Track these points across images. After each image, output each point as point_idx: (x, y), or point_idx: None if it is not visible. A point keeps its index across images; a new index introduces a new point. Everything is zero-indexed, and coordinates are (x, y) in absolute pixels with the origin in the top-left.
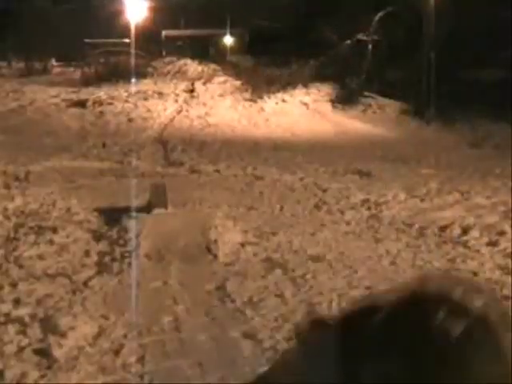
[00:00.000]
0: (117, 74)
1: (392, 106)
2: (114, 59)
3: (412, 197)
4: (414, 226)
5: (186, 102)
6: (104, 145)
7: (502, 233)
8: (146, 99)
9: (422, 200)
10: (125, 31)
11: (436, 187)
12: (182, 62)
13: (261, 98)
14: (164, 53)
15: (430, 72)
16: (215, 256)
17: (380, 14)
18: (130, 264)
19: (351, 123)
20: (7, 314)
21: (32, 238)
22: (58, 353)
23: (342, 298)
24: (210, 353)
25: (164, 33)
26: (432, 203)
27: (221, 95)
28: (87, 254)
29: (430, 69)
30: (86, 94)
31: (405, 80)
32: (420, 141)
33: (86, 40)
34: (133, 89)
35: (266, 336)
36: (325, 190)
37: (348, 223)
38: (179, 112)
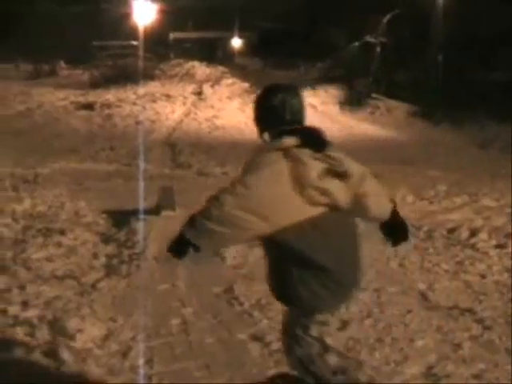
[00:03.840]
0: (125, 77)
1: (400, 108)
2: (122, 61)
3: (420, 199)
4: (422, 229)
5: (193, 104)
6: (112, 147)
7: (510, 235)
8: (153, 101)
9: (431, 202)
10: (133, 33)
11: (444, 189)
12: (189, 64)
13: None
14: (172, 55)
15: (438, 73)
16: (223, 258)
17: (388, 16)
18: (138, 266)
19: (359, 125)
20: (16, 316)
21: (40, 240)
22: (66, 355)
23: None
24: (217, 355)
25: (172, 35)
26: (440, 205)
27: (229, 97)
28: (95, 256)
29: (438, 70)
30: (94, 96)
31: (413, 82)
32: (428, 142)
33: (94, 42)
34: (141, 91)
35: (274, 338)
36: None
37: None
38: (187, 114)
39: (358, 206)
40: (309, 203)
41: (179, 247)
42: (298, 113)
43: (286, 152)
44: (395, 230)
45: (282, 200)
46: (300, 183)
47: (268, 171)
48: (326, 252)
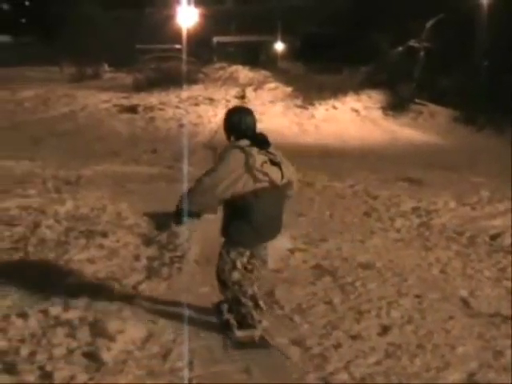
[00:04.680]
0: (168, 80)
1: (443, 114)
2: (166, 65)
3: (463, 205)
4: (464, 235)
5: None
6: (155, 150)
7: None
8: (196, 105)
9: (473, 208)
10: (176, 37)
11: (487, 195)
12: (232, 68)
13: (312, 104)
14: (215, 59)
15: (482, 78)
16: (264, 262)
17: (432, 21)
18: (179, 269)
19: (402, 130)
20: (57, 317)
21: (82, 241)
22: (106, 356)
23: (391, 305)
24: (257, 358)
25: (215, 39)
26: (483, 211)
27: (271, 102)
28: (137, 258)
29: (482, 75)
30: (137, 99)
31: (456, 87)
32: (471, 148)
33: (138, 46)
34: (184, 94)
35: (314, 343)
36: (375, 197)
37: (398, 231)
38: None
39: (287, 186)
40: (254, 180)
41: (178, 217)
42: (251, 125)
43: (242, 149)
44: None
45: (237, 176)
46: (250, 168)
47: (232, 158)
48: (257, 211)
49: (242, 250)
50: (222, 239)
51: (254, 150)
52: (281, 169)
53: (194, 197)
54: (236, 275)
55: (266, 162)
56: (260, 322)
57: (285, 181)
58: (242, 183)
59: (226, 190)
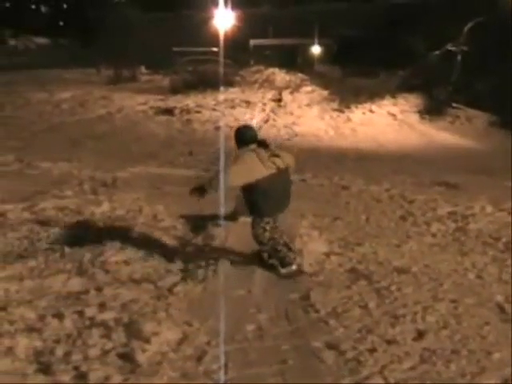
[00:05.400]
0: (204, 83)
1: (480, 118)
2: (202, 67)
3: (499, 210)
4: (501, 240)
5: (273, 111)
6: (191, 153)
7: None
8: (233, 108)
9: (510, 213)
10: (213, 40)
11: None
12: (269, 71)
13: (348, 108)
14: (252, 62)
15: None
16: (300, 265)
17: (470, 25)
18: (214, 271)
19: (439, 134)
20: (92, 318)
21: (118, 243)
22: (141, 357)
23: (426, 310)
24: (292, 362)
25: (252, 42)
26: None
27: (308, 105)
28: (172, 260)
29: None
30: (173, 101)
31: (494, 91)
32: (507, 153)
33: (175, 48)
34: (220, 97)
35: (349, 347)
36: (411, 202)
37: (434, 235)
38: (266, 121)
39: (288, 169)
40: (266, 168)
41: (200, 192)
42: (252, 137)
43: (253, 150)
44: None
45: (255, 167)
46: (262, 160)
47: (247, 157)
48: (271, 191)
49: (266, 219)
50: (251, 216)
51: (262, 150)
52: (280, 158)
53: (215, 186)
54: (267, 234)
55: (270, 156)
56: (295, 258)
57: (284, 165)
58: (259, 171)
59: (247, 177)
